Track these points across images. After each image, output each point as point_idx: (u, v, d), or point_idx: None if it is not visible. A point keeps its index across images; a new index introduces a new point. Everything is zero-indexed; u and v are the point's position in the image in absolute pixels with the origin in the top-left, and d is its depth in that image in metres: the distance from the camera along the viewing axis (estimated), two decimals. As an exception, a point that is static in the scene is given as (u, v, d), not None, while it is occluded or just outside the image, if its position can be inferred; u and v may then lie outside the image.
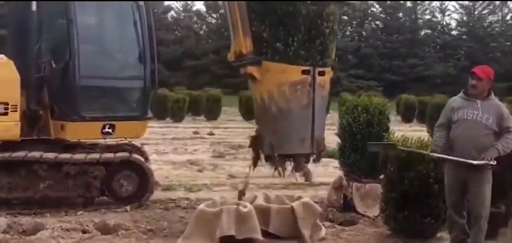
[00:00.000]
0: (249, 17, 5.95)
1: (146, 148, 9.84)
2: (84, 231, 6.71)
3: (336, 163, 8.67)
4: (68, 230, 6.67)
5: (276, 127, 6.02)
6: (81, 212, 7.66)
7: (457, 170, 5.74)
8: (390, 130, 8.01)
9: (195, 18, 70.14)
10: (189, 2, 69.07)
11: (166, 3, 63.60)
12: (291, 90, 5.90)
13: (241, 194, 6.86)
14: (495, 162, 5.57)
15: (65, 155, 7.86)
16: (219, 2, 6.11)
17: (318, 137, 6.19)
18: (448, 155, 5.70)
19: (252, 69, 5.93)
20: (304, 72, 5.93)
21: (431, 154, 5.84)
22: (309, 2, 5.86)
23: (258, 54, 5.97)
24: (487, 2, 69.36)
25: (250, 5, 5.96)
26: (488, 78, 5.77)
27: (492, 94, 5.82)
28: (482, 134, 5.62)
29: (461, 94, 5.92)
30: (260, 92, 6.05)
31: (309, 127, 6.07)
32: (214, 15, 69.72)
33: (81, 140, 8.42)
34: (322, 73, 6.08)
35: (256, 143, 6.54)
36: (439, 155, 5.76)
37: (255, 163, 6.76)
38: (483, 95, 5.74)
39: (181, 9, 68.79)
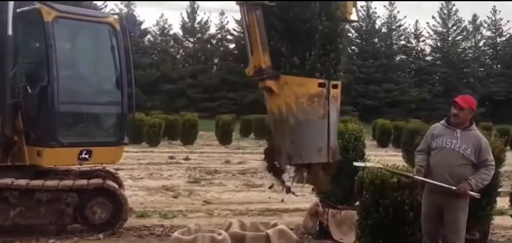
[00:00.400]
0: (268, 33, 6.11)
1: (121, 174, 9.74)
2: (55, 260, 6.57)
3: (311, 188, 8.65)
4: (39, 258, 6.54)
5: (294, 137, 6.18)
6: (53, 240, 7.51)
7: (434, 197, 5.75)
8: (366, 156, 8.03)
9: (171, 42, 70.17)
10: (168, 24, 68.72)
11: (144, 26, 63.45)
12: (308, 102, 6.13)
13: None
14: (479, 195, 5.64)
15: (37, 182, 7.71)
16: (239, 15, 6.25)
17: (332, 146, 6.33)
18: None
19: (270, 83, 6.12)
20: (320, 84, 6.13)
21: (415, 176, 5.88)
22: (325, 19, 6.09)
23: (277, 68, 6.13)
24: (461, 28, 70.59)
25: (270, 21, 6.14)
26: (470, 108, 5.80)
27: (473, 124, 5.85)
28: (458, 163, 5.64)
29: (443, 122, 5.95)
30: (278, 105, 6.22)
31: (325, 137, 6.24)
32: (191, 39, 69.87)
33: (56, 166, 8.28)
34: (335, 86, 6.29)
35: (271, 155, 6.64)
36: (423, 178, 5.80)
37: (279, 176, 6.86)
38: (464, 125, 5.76)
39: (158, 33, 68.77)
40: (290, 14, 6.09)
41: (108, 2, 60.25)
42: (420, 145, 6.07)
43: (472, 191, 5.57)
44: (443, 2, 70.49)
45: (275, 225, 6.84)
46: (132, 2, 64.48)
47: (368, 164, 6.88)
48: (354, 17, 6.80)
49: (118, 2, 63.95)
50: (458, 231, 5.72)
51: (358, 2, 6.96)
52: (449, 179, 5.60)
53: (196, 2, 67.89)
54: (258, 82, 6.34)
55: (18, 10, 7.95)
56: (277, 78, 6.12)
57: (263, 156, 6.87)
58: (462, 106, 5.75)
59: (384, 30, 70.80)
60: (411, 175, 5.99)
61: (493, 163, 5.77)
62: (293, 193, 6.95)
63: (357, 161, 7.28)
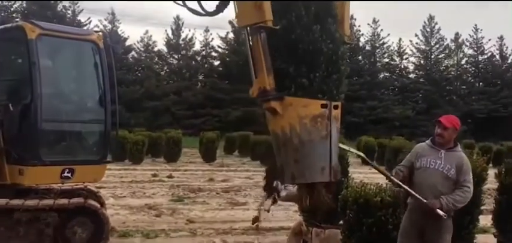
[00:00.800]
0: (273, 55, 6.18)
1: (103, 192, 9.65)
2: (34, 281, 6.45)
3: (296, 207, 8.63)
4: (17, 280, 6.41)
5: (298, 157, 6.22)
6: (32, 261, 7.37)
7: (416, 216, 5.74)
8: (349, 175, 8.01)
9: (156, 59, 70.05)
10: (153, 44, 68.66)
11: (128, 42, 63.32)
12: (312, 122, 6.20)
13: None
14: (445, 215, 5.56)
15: (17, 202, 7.58)
16: (223, 32, 6.39)
17: (334, 166, 6.39)
18: (408, 197, 5.77)
19: (275, 104, 6.18)
20: (323, 105, 6.20)
21: (393, 177, 5.94)
22: (329, 42, 6.19)
23: (282, 89, 6.18)
24: (443, 46, 71.35)
25: (274, 43, 6.20)
26: (454, 128, 5.83)
27: (458, 145, 5.86)
28: (441, 183, 5.63)
29: (428, 141, 5.95)
30: (281, 125, 6.29)
31: (328, 157, 6.28)
32: (176, 56, 69.82)
33: (38, 185, 8.17)
34: (336, 107, 6.38)
35: (271, 176, 6.68)
36: (399, 182, 5.83)
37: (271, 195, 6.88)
38: (449, 145, 5.77)
39: (142, 49, 68.65)
40: (292, 37, 6.15)
41: (92, 19, 60.06)
42: (403, 161, 6.07)
43: (441, 209, 5.53)
44: (426, 20, 71.30)
45: (258, 244, 6.79)
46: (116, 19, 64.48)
47: (352, 149, 7.13)
48: (347, 39, 6.90)
49: (102, 19, 63.88)
50: None
51: (352, 24, 7.06)
52: (432, 199, 5.57)
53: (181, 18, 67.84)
54: (262, 103, 6.40)
55: (1, 27, 7.88)
56: (282, 100, 6.19)
57: (264, 175, 6.88)
58: (446, 126, 5.76)
59: (367, 47, 71.33)
60: (389, 174, 6.06)
61: (470, 185, 5.71)
62: (257, 228, 7.00)
63: (341, 180, 7.25)
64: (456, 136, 5.89)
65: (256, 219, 6.94)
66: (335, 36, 6.36)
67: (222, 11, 6.44)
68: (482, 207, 7.46)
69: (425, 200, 5.57)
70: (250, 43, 6.31)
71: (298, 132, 6.16)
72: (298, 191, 6.82)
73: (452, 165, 5.64)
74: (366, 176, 9.24)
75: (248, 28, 6.25)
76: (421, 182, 5.73)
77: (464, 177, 5.65)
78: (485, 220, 8.10)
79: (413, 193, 5.66)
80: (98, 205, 8.26)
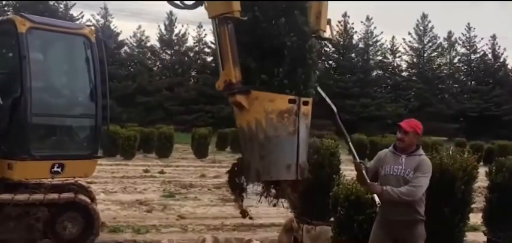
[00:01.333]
0: (239, 50, 6.09)
1: (94, 187, 9.62)
2: (23, 276, 6.42)
3: (286, 203, 8.61)
4: (6, 274, 6.38)
5: (263, 153, 6.11)
6: (22, 255, 7.34)
7: (389, 227, 5.61)
8: (341, 172, 8.02)
9: (148, 54, 69.88)
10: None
11: (121, 37, 63.12)
12: (278, 118, 6.06)
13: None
14: (379, 203, 5.64)
15: (6, 196, 7.54)
16: (208, 30, 6.35)
17: (301, 164, 6.30)
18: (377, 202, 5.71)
19: (240, 98, 6.05)
20: (290, 101, 6.11)
21: (359, 161, 5.82)
22: (292, 35, 5.99)
23: (246, 84, 6.10)
24: (436, 44, 71.59)
25: (238, 37, 6.11)
26: (414, 132, 5.64)
27: (420, 149, 5.69)
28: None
29: (391, 148, 5.79)
30: (247, 120, 6.16)
31: (295, 154, 6.18)
32: (169, 51, 69.68)
33: (27, 179, 8.12)
34: (306, 103, 6.28)
35: (236, 173, 6.55)
36: (363, 171, 5.70)
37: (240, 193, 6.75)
38: (411, 149, 5.62)
39: (135, 44, 68.46)
40: (257, 31, 6.07)
41: (84, 13, 59.83)
42: (371, 163, 5.94)
43: (380, 195, 5.49)
44: (419, 18, 71.49)
45: (249, 241, 6.79)
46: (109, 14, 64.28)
47: (327, 99, 6.77)
48: (327, 34, 6.80)
49: (95, 13, 63.65)
50: None
51: (332, 19, 6.97)
52: (398, 206, 5.43)
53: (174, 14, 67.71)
54: (228, 97, 6.32)
55: (-9, 21, 7.83)
56: (248, 93, 6.09)
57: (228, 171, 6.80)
58: (407, 130, 5.60)
59: (361, 45, 71.41)
60: (358, 160, 5.88)
61: (421, 182, 5.46)
62: (250, 218, 6.89)
63: (332, 177, 7.27)
64: (418, 140, 5.72)
65: (244, 212, 6.86)
66: (302, 29, 6.25)
67: (201, 4, 6.34)
68: (473, 206, 7.48)
69: (369, 182, 5.58)
70: (218, 33, 6.25)
71: (264, 127, 6.06)
72: (263, 188, 6.74)
73: (411, 168, 5.49)
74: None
75: (216, 19, 6.20)
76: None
77: (417, 174, 5.46)
78: (475, 218, 8.11)
79: (367, 180, 5.60)
80: (89, 200, 8.23)
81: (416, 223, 5.54)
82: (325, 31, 6.62)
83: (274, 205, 6.95)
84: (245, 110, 6.12)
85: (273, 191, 6.54)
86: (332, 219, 7.11)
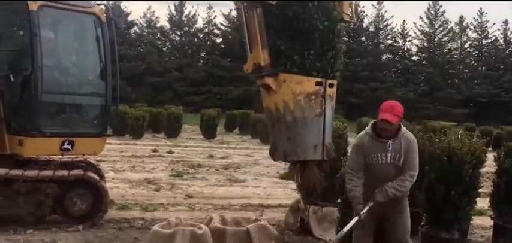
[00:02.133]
0: (268, 32, 6.16)
1: (103, 166, 9.68)
2: (33, 251, 6.49)
3: (294, 185, 8.65)
4: (15, 249, 6.46)
5: (290, 134, 6.26)
6: (31, 230, 7.40)
7: (375, 212, 5.34)
8: (348, 154, 8.01)
9: (158, 35, 69.90)
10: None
11: (131, 18, 63.11)
12: (305, 100, 6.22)
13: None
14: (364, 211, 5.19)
15: (16, 172, 7.60)
16: (227, 9, 6.42)
17: (327, 145, 6.39)
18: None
19: (269, 80, 6.21)
20: (317, 83, 6.20)
21: (362, 213, 5.24)
22: (324, 19, 6.13)
23: (275, 66, 6.17)
24: (447, 29, 71.09)
25: (268, 20, 6.20)
26: (399, 119, 5.28)
27: (401, 128, 5.33)
28: (393, 175, 5.25)
29: (369, 132, 5.37)
30: (275, 102, 6.30)
31: (321, 135, 6.30)
32: (178, 32, 69.65)
33: (37, 156, 8.19)
34: (331, 85, 6.36)
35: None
36: (365, 209, 5.23)
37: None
38: (395, 134, 5.29)
39: (145, 25, 68.47)
40: (289, 14, 6.12)
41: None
42: (351, 165, 5.46)
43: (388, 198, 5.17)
44: (430, 2, 70.95)
45: (256, 220, 6.83)
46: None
47: None
48: (348, 18, 6.84)
49: (105, -7, 63.52)
50: (408, 230, 5.49)
51: (353, 2, 7.01)
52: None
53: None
54: (256, 79, 6.38)
55: (3, -2, 7.87)
56: (276, 76, 6.19)
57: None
58: (393, 123, 5.22)
59: (371, 28, 71.12)
60: (357, 217, 5.31)
61: (416, 165, 5.32)
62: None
63: (340, 158, 7.26)
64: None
65: None
66: (331, 14, 6.31)
67: None
68: (480, 190, 7.48)
69: (372, 202, 5.21)
70: (246, 17, 6.29)
71: (291, 109, 6.17)
72: (290, 168, 6.83)
73: (400, 151, 5.22)
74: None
75: (244, 3, 6.23)
76: (374, 180, 5.28)
77: (410, 155, 5.24)
78: (482, 203, 8.13)
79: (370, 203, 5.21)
80: (98, 177, 8.29)
81: (400, 203, 5.38)
82: (347, 14, 6.69)
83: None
84: (273, 92, 6.24)
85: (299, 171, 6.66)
86: (338, 200, 7.13)
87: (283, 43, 6.21)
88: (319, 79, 6.23)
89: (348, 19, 7.00)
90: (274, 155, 6.61)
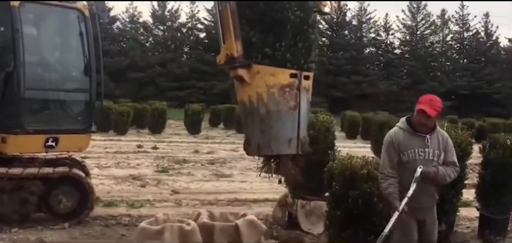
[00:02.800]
0: (241, 24, 6.07)
1: (88, 162, 9.58)
2: (18, 250, 6.41)
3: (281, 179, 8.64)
4: (0, 248, 6.38)
5: (264, 127, 6.14)
6: (16, 229, 7.31)
7: (416, 212, 5.07)
8: (336, 147, 8.04)
9: (141, 30, 69.47)
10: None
11: (113, 13, 62.70)
12: (280, 92, 6.10)
13: None
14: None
15: (0, 170, 7.50)
16: (210, 4, 6.31)
17: (302, 139, 6.31)
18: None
19: (242, 72, 6.08)
20: (292, 75, 6.11)
21: (401, 207, 4.91)
22: (296, 9, 6.02)
23: (248, 58, 6.08)
24: (429, 22, 71.52)
25: (240, 11, 6.10)
26: (438, 113, 5.07)
27: (436, 125, 5.20)
28: None
29: (404, 126, 5.14)
30: (249, 94, 6.18)
31: (296, 129, 6.21)
32: (161, 27, 69.28)
33: (21, 153, 8.09)
34: (307, 77, 6.27)
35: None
36: (405, 201, 4.89)
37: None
38: (433, 129, 5.12)
39: (127, 20, 68.01)
40: (260, 5, 6.05)
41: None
42: (384, 162, 5.21)
43: (435, 177, 4.99)
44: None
45: (244, 215, 6.81)
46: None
47: None
48: (327, 9, 6.78)
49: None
50: (436, 235, 5.38)
51: None
52: (432, 189, 5.14)
53: None
54: (229, 71, 6.29)
55: (-16, -6, 7.73)
56: (249, 67, 6.08)
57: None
58: (431, 115, 5.00)
59: (354, 22, 71.32)
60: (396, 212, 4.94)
61: (458, 170, 5.30)
62: None
63: (327, 152, 7.26)
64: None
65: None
66: (305, 4, 6.23)
67: None
68: (466, 182, 7.53)
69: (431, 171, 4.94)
70: (220, 8, 6.22)
71: (265, 102, 6.07)
72: (264, 163, 6.76)
73: (439, 149, 5.06)
74: (350, 150, 9.27)
75: None
76: (406, 176, 4.98)
77: (453, 158, 5.15)
78: (467, 194, 8.17)
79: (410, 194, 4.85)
80: (83, 174, 8.21)
81: (435, 204, 5.29)
82: (325, 6, 6.61)
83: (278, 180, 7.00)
84: (246, 84, 6.13)
85: (274, 165, 6.57)
86: (326, 194, 7.13)
87: (255, 34, 6.14)
88: (294, 71, 6.14)
89: (327, 11, 6.92)
90: (247, 149, 6.51)
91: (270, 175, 6.80)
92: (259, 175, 6.88)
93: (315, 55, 6.50)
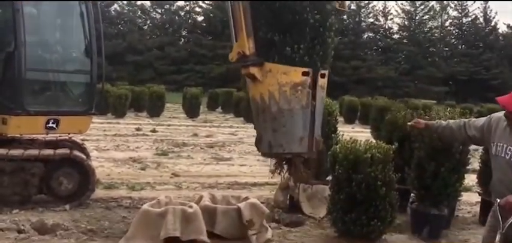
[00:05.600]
0: (257, 22, 6.02)
1: (87, 145, 9.53)
2: (19, 231, 6.39)
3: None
4: (1, 229, 6.36)
5: (275, 126, 6.12)
6: (17, 211, 7.27)
7: (495, 222, 4.16)
8: (338, 131, 8.02)
9: (139, 13, 69.14)
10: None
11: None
12: (292, 90, 6.08)
13: None
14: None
15: (1, 151, 7.46)
16: (223, 2, 6.24)
17: (317, 137, 6.29)
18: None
19: (254, 70, 6.06)
20: (304, 73, 6.08)
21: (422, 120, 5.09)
22: (315, 12, 5.99)
23: (265, 57, 6.05)
24: (428, 7, 71.30)
25: (260, 10, 6.06)
26: None
27: None
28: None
29: (509, 115, 4.28)
30: (260, 92, 6.16)
31: (307, 127, 6.20)
32: (159, 11, 68.95)
33: (21, 135, 8.05)
34: (323, 76, 6.25)
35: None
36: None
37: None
38: None
39: (125, 2, 67.67)
40: (280, 6, 5.99)
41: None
42: (471, 122, 4.74)
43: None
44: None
45: (246, 198, 6.77)
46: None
47: None
48: (344, 8, 6.77)
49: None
50: None
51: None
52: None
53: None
54: (241, 69, 6.26)
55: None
56: (261, 65, 6.06)
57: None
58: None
59: (353, 7, 71.03)
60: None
61: None
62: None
63: (330, 136, 7.25)
64: None
65: None
66: (324, 7, 6.19)
67: None
68: (468, 167, 7.54)
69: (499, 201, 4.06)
70: (232, 6, 6.16)
71: (277, 100, 6.04)
72: (276, 165, 6.74)
73: None
74: (349, 134, 9.25)
75: None
76: (496, 175, 4.32)
77: None
78: (468, 179, 8.18)
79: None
80: (84, 156, 8.18)
81: None
82: (342, 7, 6.59)
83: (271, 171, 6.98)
84: (258, 82, 6.11)
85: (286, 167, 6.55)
86: (328, 177, 7.12)
87: (274, 35, 6.09)
88: (306, 70, 6.10)
89: (340, 8, 6.89)
90: (259, 146, 6.51)
91: (283, 175, 6.75)
92: (272, 177, 6.85)
93: (330, 56, 6.48)
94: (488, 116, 4.59)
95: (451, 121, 4.98)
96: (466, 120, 4.93)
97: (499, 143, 4.26)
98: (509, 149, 4.16)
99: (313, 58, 6.15)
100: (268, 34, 6.07)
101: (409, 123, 5.70)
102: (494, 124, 4.41)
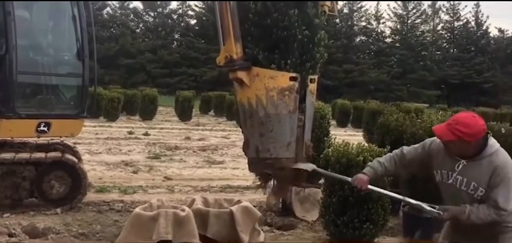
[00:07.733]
0: (244, 39, 5.98)
1: (79, 148, 9.49)
2: (10, 235, 6.36)
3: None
4: (-8, 233, 6.32)
5: (263, 130, 6.07)
6: (8, 214, 7.23)
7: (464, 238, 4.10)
8: (330, 135, 8.02)
9: (131, 16, 69.03)
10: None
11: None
12: (279, 95, 6.02)
13: None
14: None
15: (-8, 154, 7.43)
16: (210, 3, 6.17)
17: (307, 142, 6.26)
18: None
19: (241, 74, 6.00)
20: (291, 78, 6.04)
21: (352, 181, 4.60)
22: (303, 28, 5.95)
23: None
24: (420, 11, 71.60)
25: (246, 27, 6.02)
26: (460, 140, 3.84)
27: (488, 146, 3.89)
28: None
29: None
30: (248, 96, 6.11)
31: (295, 132, 6.14)
32: (152, 14, 68.87)
33: (13, 138, 8.01)
34: (313, 81, 6.22)
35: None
36: (371, 187, 4.57)
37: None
38: (471, 153, 3.91)
39: (117, 6, 67.55)
40: (267, 21, 5.97)
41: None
42: (409, 148, 4.39)
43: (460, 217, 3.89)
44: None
45: (239, 202, 6.76)
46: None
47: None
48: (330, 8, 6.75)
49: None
50: None
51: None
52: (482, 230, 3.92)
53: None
54: (229, 73, 6.23)
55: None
56: (249, 70, 6.02)
57: None
58: (446, 140, 3.94)
59: (345, 10, 71.20)
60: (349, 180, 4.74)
61: (503, 214, 3.81)
62: None
63: (323, 139, 7.26)
64: (478, 141, 3.87)
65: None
66: (313, 22, 6.16)
67: None
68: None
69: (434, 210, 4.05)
70: (220, 9, 6.14)
71: (264, 105, 6.01)
72: (260, 180, 6.72)
73: (479, 180, 3.86)
74: (341, 137, 9.25)
75: None
76: (445, 200, 4.11)
77: (496, 191, 3.80)
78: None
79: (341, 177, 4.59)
80: (76, 159, 8.15)
81: (502, 232, 3.91)
82: (329, 7, 6.57)
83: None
84: (246, 86, 6.07)
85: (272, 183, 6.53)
86: (321, 181, 7.12)
87: (259, 52, 6.06)
88: (293, 75, 6.09)
89: (330, 12, 6.87)
90: (246, 151, 6.48)
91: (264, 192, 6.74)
92: (256, 192, 6.80)
93: (318, 69, 6.46)
94: (423, 142, 4.32)
95: (381, 158, 4.53)
96: (395, 151, 4.50)
97: (443, 171, 4.02)
98: (452, 176, 3.96)
99: (301, 75, 6.12)
100: (255, 50, 6.04)
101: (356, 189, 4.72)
102: (434, 150, 4.13)
